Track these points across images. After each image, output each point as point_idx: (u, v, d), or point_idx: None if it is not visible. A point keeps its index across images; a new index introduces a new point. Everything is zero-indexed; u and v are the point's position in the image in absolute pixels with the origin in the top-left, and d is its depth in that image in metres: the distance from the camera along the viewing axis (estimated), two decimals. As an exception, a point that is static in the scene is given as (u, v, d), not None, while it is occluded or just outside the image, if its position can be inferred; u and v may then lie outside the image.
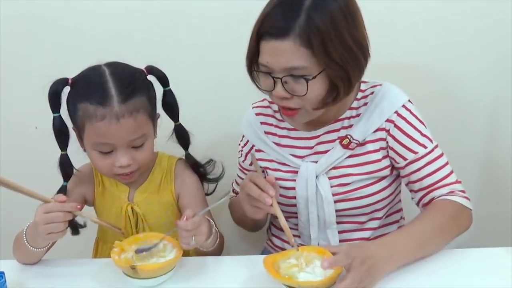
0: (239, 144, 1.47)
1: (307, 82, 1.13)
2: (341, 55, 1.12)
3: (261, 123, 1.40)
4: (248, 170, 1.46)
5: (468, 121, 1.76)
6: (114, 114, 1.15)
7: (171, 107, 1.32)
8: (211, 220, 1.23)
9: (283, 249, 1.40)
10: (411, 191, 1.32)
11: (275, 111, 1.39)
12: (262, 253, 1.52)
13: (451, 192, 1.25)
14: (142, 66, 1.28)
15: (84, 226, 1.32)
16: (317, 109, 1.20)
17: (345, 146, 1.26)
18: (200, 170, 1.40)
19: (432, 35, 1.64)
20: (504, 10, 1.61)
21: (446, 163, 1.28)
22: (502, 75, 1.69)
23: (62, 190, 1.28)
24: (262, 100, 1.43)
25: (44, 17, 1.66)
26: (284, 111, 1.22)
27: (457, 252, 1.22)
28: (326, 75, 1.13)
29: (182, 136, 1.37)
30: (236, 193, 1.51)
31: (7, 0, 1.64)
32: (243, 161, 1.46)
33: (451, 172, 1.28)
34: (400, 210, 1.43)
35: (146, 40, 1.68)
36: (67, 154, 1.27)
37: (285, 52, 1.11)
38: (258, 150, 1.39)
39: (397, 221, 1.40)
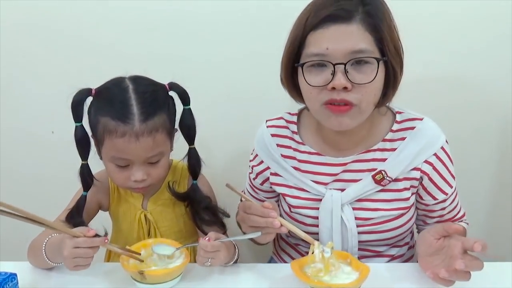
0: (250, 161, 1.40)
1: (378, 64, 1.09)
2: (398, 42, 1.12)
3: (278, 145, 1.32)
4: (258, 189, 1.41)
5: (481, 131, 1.75)
6: (134, 133, 1.17)
7: (188, 128, 1.30)
8: (236, 248, 1.22)
9: None
10: (422, 220, 1.34)
11: (293, 132, 1.32)
12: (269, 262, 1.52)
13: (459, 222, 1.35)
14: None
15: (105, 235, 1.33)
16: (371, 106, 1.15)
17: (378, 182, 1.22)
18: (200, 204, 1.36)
19: (443, 44, 1.64)
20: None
21: (458, 199, 1.33)
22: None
23: (82, 200, 1.30)
24: (278, 119, 1.35)
25: (60, 23, 1.70)
26: (335, 108, 1.12)
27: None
28: (386, 64, 1.12)
29: (193, 162, 1.34)
30: None
31: (24, 8, 1.69)
32: (253, 179, 1.39)
33: (461, 207, 1.35)
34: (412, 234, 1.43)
35: (162, 52, 1.71)
36: (87, 164, 1.28)
37: (351, 35, 1.07)
38: (274, 174, 1.33)
39: (407, 243, 1.38)
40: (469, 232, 1.35)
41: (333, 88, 1.09)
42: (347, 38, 1.07)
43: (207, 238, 1.12)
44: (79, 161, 1.28)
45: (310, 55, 1.11)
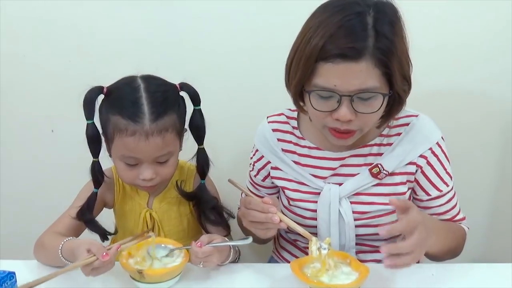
0: (251, 158, 1.42)
1: (383, 98, 1.09)
2: (407, 67, 1.11)
3: (278, 140, 1.35)
4: (259, 185, 1.43)
5: (482, 134, 1.75)
6: (144, 132, 1.17)
7: (198, 129, 1.31)
8: (231, 249, 1.22)
9: (289, 261, 1.35)
10: None
11: (294, 127, 1.34)
12: (269, 262, 1.52)
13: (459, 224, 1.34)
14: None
15: (114, 233, 1.37)
16: (372, 126, 1.17)
17: (374, 175, 1.24)
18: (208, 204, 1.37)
19: (441, 47, 1.63)
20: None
21: (457, 201, 1.32)
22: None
23: (93, 197, 1.31)
24: (279, 115, 1.38)
25: (62, 21, 1.70)
26: (337, 134, 1.16)
27: (467, 267, 1.22)
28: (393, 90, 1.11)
29: (202, 162, 1.35)
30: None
31: (26, 6, 1.69)
32: (254, 176, 1.42)
33: (460, 209, 1.33)
34: None
35: (163, 45, 1.71)
36: (98, 161, 1.28)
37: (360, 74, 1.05)
38: (275, 168, 1.35)
39: None
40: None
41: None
42: (355, 76, 1.06)
43: (198, 243, 1.13)
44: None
45: (318, 86, 1.10)
